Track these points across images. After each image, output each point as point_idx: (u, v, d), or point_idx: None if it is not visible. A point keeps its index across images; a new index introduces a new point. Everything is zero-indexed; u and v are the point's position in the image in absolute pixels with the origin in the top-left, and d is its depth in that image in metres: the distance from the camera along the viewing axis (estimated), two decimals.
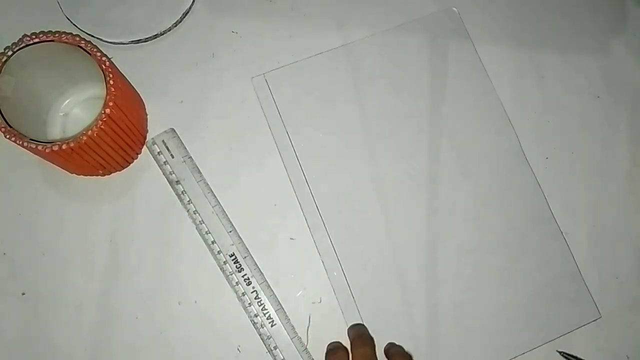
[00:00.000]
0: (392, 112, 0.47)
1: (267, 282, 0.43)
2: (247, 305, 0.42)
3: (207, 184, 0.45)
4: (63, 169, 0.43)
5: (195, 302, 0.43)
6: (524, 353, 0.43)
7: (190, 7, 0.48)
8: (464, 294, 0.44)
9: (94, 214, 0.44)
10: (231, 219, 0.44)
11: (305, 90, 0.47)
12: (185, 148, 0.45)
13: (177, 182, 0.44)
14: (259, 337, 0.42)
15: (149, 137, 0.46)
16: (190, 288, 0.43)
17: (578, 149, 0.48)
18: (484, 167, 0.47)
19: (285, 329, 0.42)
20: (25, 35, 0.39)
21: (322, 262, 0.44)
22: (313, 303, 0.44)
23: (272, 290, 0.43)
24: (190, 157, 0.45)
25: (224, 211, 0.44)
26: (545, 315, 0.44)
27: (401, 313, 0.43)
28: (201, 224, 0.44)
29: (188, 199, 0.44)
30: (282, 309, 0.42)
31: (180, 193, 0.44)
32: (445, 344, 0.43)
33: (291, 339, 0.42)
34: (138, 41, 0.47)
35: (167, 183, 0.45)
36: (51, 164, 0.42)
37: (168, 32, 0.48)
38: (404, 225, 0.45)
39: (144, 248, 0.44)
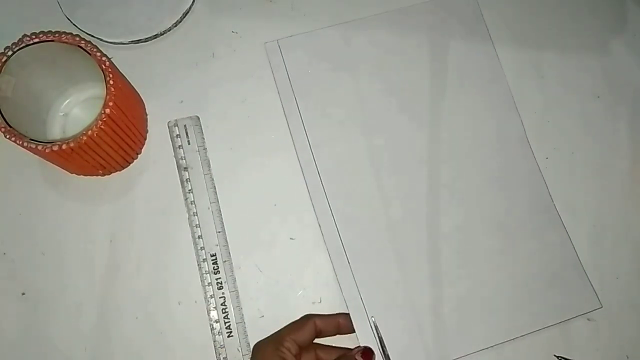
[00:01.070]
0: (401, 89, 0.48)
1: (237, 291, 0.43)
2: (211, 308, 0.42)
3: (212, 179, 0.45)
4: (63, 169, 0.43)
5: (195, 302, 0.43)
6: (522, 335, 0.43)
7: (190, 7, 0.48)
8: (462, 273, 0.44)
9: (94, 214, 0.44)
10: (229, 219, 0.44)
11: (317, 59, 0.48)
12: (204, 138, 0.46)
13: (185, 168, 0.44)
14: (212, 343, 0.42)
15: (171, 117, 0.46)
16: (190, 288, 0.43)
17: (578, 149, 0.48)
18: (487, 150, 0.47)
19: (240, 343, 0.42)
20: (25, 35, 0.39)
21: (319, 226, 0.44)
22: (313, 303, 0.43)
23: (239, 302, 0.43)
24: (205, 149, 0.45)
25: (220, 211, 0.44)
26: (545, 300, 0.44)
27: (398, 288, 0.43)
28: (194, 215, 0.44)
29: (190, 188, 0.44)
30: (244, 323, 0.42)
31: (185, 180, 0.44)
32: (442, 320, 0.43)
33: (242, 356, 0.41)
34: (138, 41, 0.47)
35: (167, 183, 0.45)
36: (51, 164, 0.42)
37: (168, 32, 0.48)
38: (406, 201, 0.45)
39: (144, 248, 0.44)
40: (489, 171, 0.47)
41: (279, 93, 0.47)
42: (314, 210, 0.44)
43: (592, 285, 0.45)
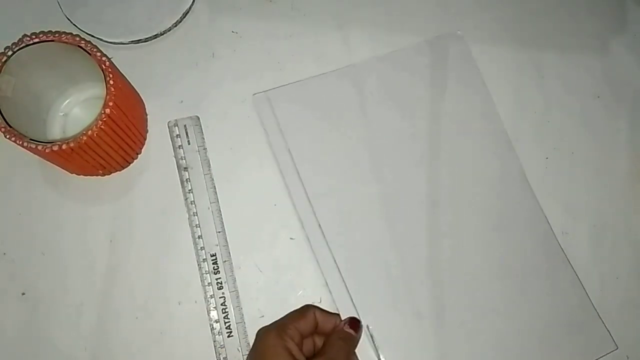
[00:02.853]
0: (396, 133, 0.47)
1: (237, 291, 0.43)
2: (211, 308, 0.42)
3: (212, 179, 0.45)
4: (63, 169, 0.43)
5: (195, 302, 0.43)
6: None
7: (190, 7, 0.48)
8: (470, 319, 0.43)
9: (94, 214, 0.44)
10: (229, 219, 0.44)
11: (307, 109, 0.46)
12: (204, 138, 0.46)
13: (185, 168, 0.44)
14: (212, 343, 0.42)
15: (171, 117, 0.46)
16: (190, 288, 0.43)
17: (578, 149, 0.48)
18: (488, 193, 0.46)
19: (240, 343, 0.42)
20: (25, 35, 0.39)
21: (327, 284, 0.43)
22: (313, 303, 0.43)
23: (239, 302, 0.43)
24: (205, 149, 0.45)
25: (220, 211, 0.44)
26: (558, 347, 0.43)
27: (404, 336, 0.42)
28: (194, 215, 0.44)
29: (190, 188, 0.44)
30: (244, 322, 0.42)
31: (185, 180, 0.44)
32: None
33: (242, 356, 0.41)
34: (138, 41, 0.47)
35: (167, 183, 0.45)
36: (51, 164, 0.42)
37: (168, 32, 0.48)
38: (408, 247, 0.44)
39: (144, 248, 0.44)
40: (491, 215, 0.46)
41: (270, 145, 0.45)
42: (319, 267, 0.43)
43: (605, 326, 0.44)
